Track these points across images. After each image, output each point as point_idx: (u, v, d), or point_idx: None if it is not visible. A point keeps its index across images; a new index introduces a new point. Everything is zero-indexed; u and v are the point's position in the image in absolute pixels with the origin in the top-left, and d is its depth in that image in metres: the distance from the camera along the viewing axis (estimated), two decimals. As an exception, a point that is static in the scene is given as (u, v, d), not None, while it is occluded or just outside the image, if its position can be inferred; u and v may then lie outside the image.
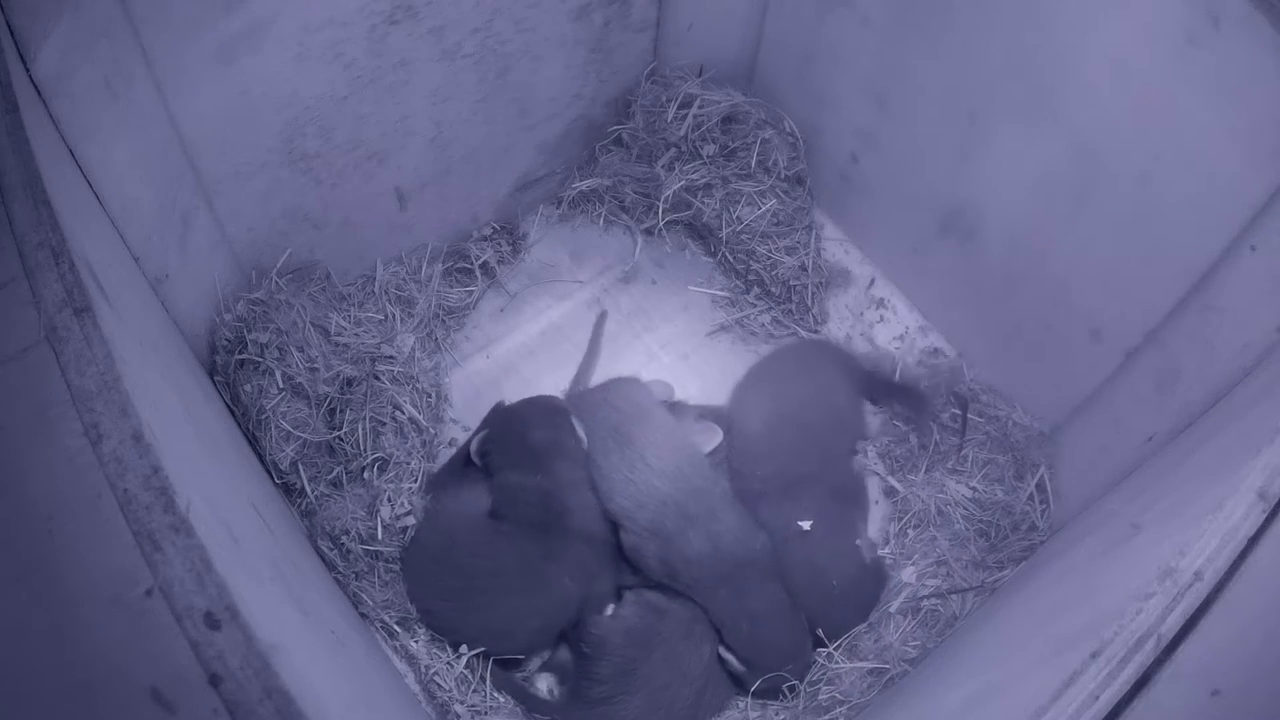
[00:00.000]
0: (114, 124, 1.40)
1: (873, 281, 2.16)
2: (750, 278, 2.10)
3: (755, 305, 2.11)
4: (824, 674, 1.69)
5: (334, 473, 1.74)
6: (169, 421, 1.15)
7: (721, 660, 1.69)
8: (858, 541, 1.79)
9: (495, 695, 1.67)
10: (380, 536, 1.69)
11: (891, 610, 1.75)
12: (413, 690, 1.67)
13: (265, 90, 1.60)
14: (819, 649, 1.71)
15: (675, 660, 1.65)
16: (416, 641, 1.68)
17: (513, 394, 1.99)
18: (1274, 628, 1.04)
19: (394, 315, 1.94)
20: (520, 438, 1.78)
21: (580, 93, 2.06)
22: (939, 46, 1.74)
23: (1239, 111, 1.35)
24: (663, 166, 2.10)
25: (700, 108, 2.05)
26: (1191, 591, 1.04)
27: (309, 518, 1.72)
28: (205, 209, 1.67)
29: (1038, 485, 1.81)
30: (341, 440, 1.74)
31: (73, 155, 1.32)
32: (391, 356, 1.83)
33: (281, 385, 1.73)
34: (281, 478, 1.73)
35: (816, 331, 2.09)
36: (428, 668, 1.66)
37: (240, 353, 1.72)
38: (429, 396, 1.87)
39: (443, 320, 2.05)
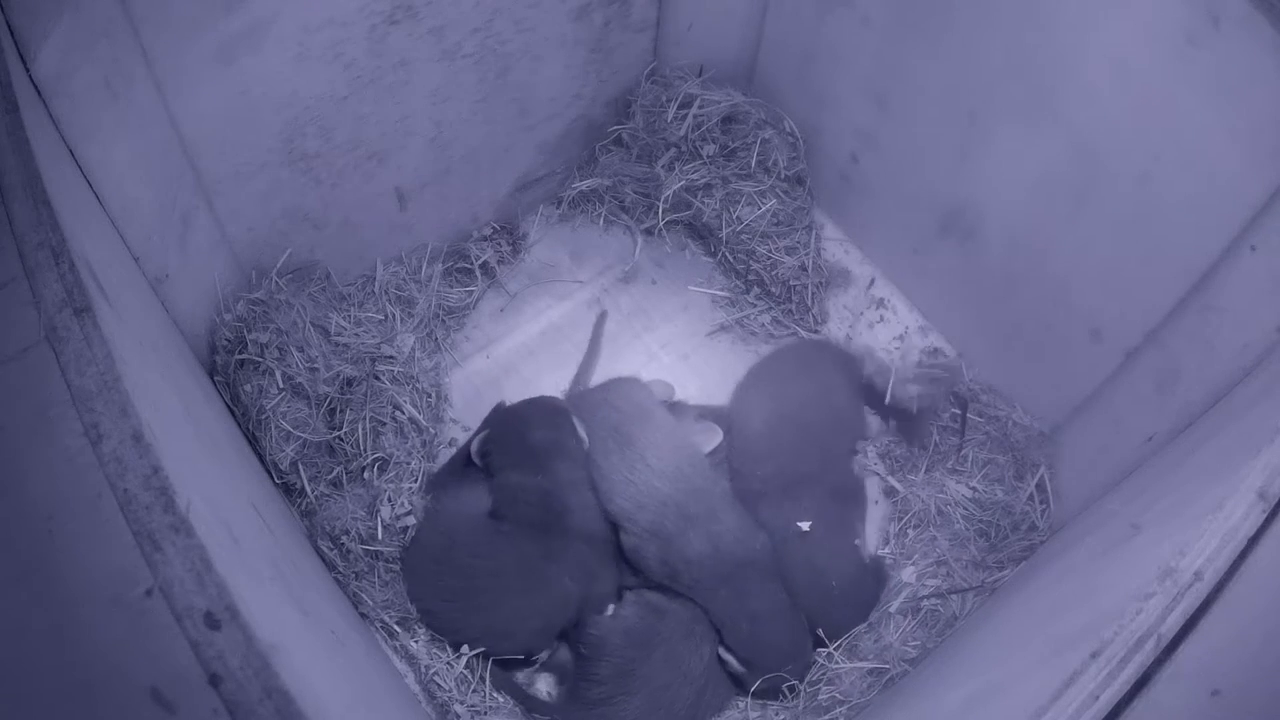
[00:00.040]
0: (114, 124, 1.40)
1: (873, 281, 2.16)
2: (750, 278, 2.10)
3: (755, 305, 2.11)
4: (824, 674, 1.69)
5: (334, 473, 1.74)
6: (169, 421, 1.15)
7: (721, 661, 1.69)
8: (856, 542, 1.79)
9: (495, 695, 1.67)
10: (380, 536, 1.69)
11: (891, 610, 1.75)
12: (413, 690, 1.67)
13: (265, 90, 1.60)
14: (819, 649, 1.71)
15: (675, 660, 1.65)
16: (416, 641, 1.68)
17: (513, 394, 1.99)
18: (1274, 628, 1.04)
19: (394, 315, 1.94)
20: (521, 438, 1.78)
21: (580, 93, 2.06)
22: (939, 46, 1.74)
23: (1239, 111, 1.35)
24: (663, 166, 2.10)
25: (700, 108, 2.05)
26: (1191, 591, 1.04)
27: (309, 518, 1.72)
28: (205, 209, 1.67)
29: (1038, 485, 1.81)
30: (341, 440, 1.74)
31: (73, 155, 1.32)
32: (391, 356, 1.83)
33: (281, 385, 1.73)
34: (281, 478, 1.74)
35: (816, 331, 2.09)
36: (428, 668, 1.66)
37: (240, 353, 1.72)
38: (429, 396, 1.87)
39: (443, 320, 2.05)
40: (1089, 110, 1.55)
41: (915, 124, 1.88)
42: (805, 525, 1.75)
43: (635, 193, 2.17)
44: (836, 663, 1.68)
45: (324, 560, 1.70)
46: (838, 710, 1.65)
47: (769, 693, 1.69)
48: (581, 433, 1.80)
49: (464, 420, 1.98)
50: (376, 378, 1.79)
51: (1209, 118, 1.39)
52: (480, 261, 2.09)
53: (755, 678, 1.67)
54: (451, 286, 2.09)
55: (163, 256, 1.55)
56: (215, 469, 1.33)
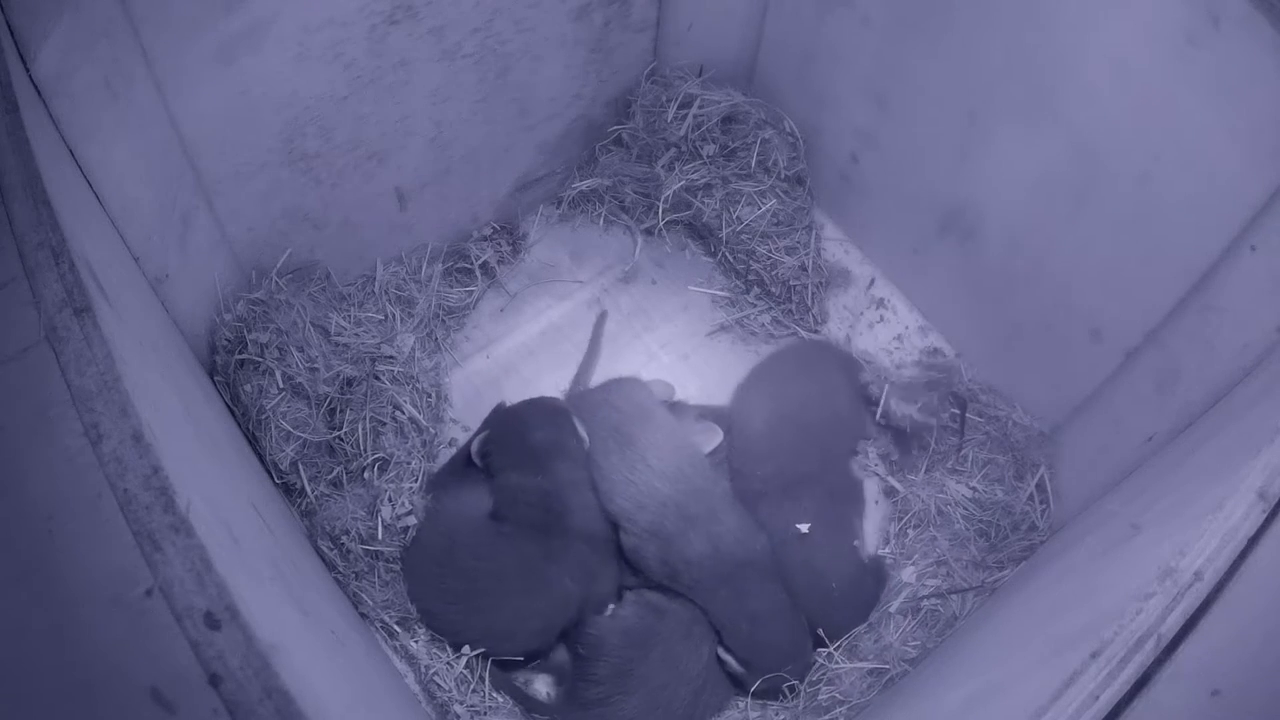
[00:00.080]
0: (114, 124, 1.40)
1: (873, 281, 2.16)
2: (750, 278, 2.10)
3: (755, 305, 2.11)
4: (824, 674, 1.69)
5: (334, 473, 1.74)
6: (169, 421, 1.15)
7: (721, 661, 1.69)
8: (855, 543, 1.79)
9: (494, 695, 1.67)
10: (380, 536, 1.69)
11: (891, 610, 1.75)
12: (413, 690, 1.67)
13: (265, 90, 1.60)
14: (819, 649, 1.71)
15: (673, 660, 1.65)
16: (416, 641, 1.68)
17: (513, 394, 1.99)
18: (1274, 628, 1.04)
19: (394, 315, 1.94)
20: (521, 438, 1.78)
21: (580, 93, 2.06)
22: (939, 46, 1.74)
23: (1239, 111, 1.35)
24: (663, 166, 2.10)
25: (700, 108, 2.05)
26: (1191, 591, 1.04)
27: (309, 518, 1.72)
28: (205, 209, 1.67)
29: (1038, 485, 1.81)
30: (341, 440, 1.74)
31: (73, 155, 1.32)
32: (391, 356, 1.83)
33: (281, 385, 1.73)
34: (281, 478, 1.73)
35: (816, 331, 2.09)
36: (427, 668, 1.66)
37: (240, 353, 1.72)
38: (429, 396, 1.87)
39: (443, 320, 2.05)
40: (1089, 110, 1.55)
41: (915, 124, 1.88)
42: (804, 527, 1.75)
43: (635, 193, 2.17)
44: (836, 663, 1.68)
45: (324, 560, 1.70)
46: (838, 710, 1.65)
47: (769, 693, 1.69)
48: (582, 433, 1.80)
49: (464, 420, 1.98)
50: (376, 378, 1.79)
51: (1209, 118, 1.39)
52: (480, 261, 2.09)
53: (755, 678, 1.67)
54: (451, 286, 2.09)
55: (163, 256, 1.55)
56: (215, 469, 1.33)
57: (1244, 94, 1.34)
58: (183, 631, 0.92)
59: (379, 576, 1.70)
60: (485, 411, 1.92)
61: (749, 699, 1.71)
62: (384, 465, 1.74)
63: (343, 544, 1.69)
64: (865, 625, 1.75)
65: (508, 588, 1.68)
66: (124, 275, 1.37)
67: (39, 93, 1.26)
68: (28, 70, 1.25)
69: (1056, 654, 1.11)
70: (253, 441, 1.73)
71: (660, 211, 2.10)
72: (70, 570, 0.95)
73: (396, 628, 1.68)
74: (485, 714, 1.66)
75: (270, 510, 1.53)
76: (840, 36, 1.91)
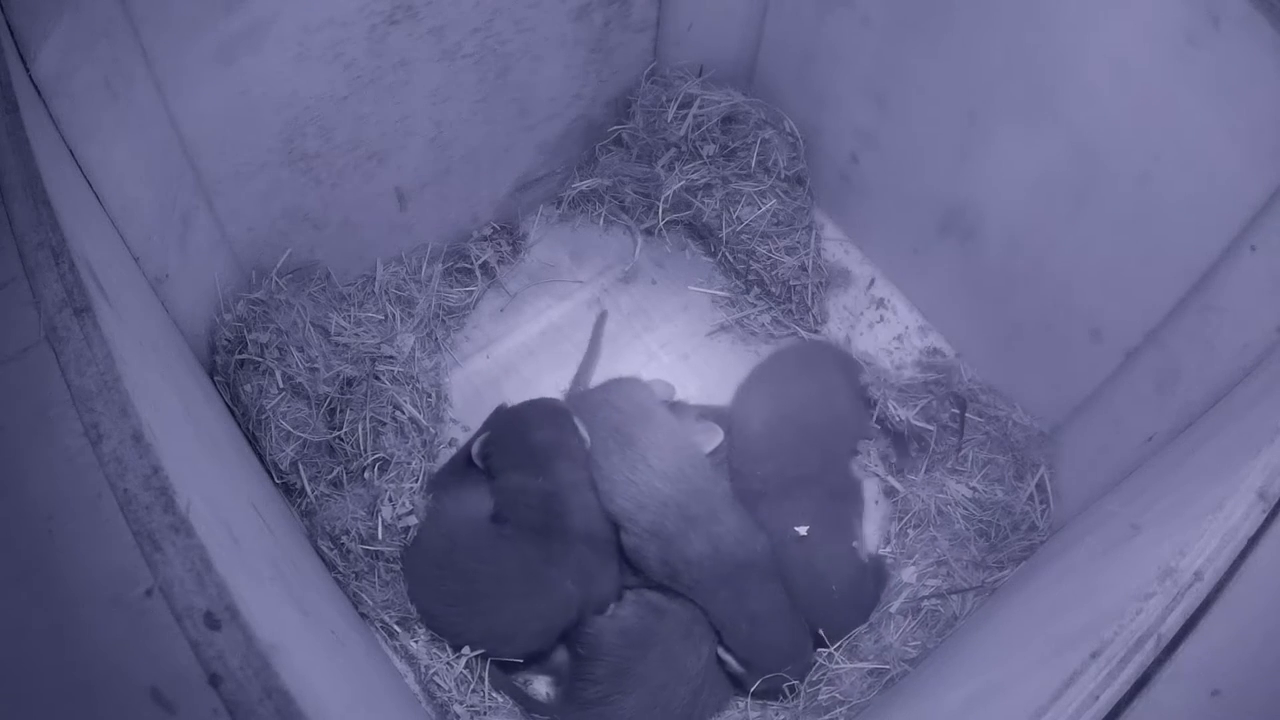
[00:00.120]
0: (114, 124, 1.40)
1: (873, 281, 2.16)
2: (750, 278, 2.10)
3: (755, 305, 2.11)
4: (824, 674, 1.69)
5: (334, 473, 1.74)
6: (169, 421, 1.15)
7: (721, 661, 1.69)
8: (854, 544, 1.79)
9: (494, 695, 1.67)
10: (380, 536, 1.69)
11: (892, 611, 1.75)
12: (413, 690, 1.67)
13: (265, 90, 1.60)
14: (819, 649, 1.71)
15: (672, 660, 1.65)
16: (416, 641, 1.68)
17: (513, 394, 1.99)
18: (1274, 628, 1.04)
19: (394, 315, 1.94)
20: (522, 440, 1.78)
21: (580, 93, 2.06)
22: (939, 46, 1.74)
23: (1239, 111, 1.35)
24: (663, 166, 2.10)
25: (700, 108, 2.05)
26: (1191, 591, 1.04)
27: (309, 518, 1.72)
28: (205, 209, 1.67)
29: (1038, 485, 1.81)
30: (341, 440, 1.74)
31: (73, 155, 1.32)
32: (391, 356, 1.83)
33: (281, 385, 1.73)
34: (281, 478, 1.73)
35: (816, 332, 2.09)
36: (427, 668, 1.66)
37: (240, 353, 1.72)
38: (429, 396, 1.86)
39: (443, 320, 2.05)
40: (1089, 110, 1.55)
41: (915, 124, 1.88)
42: (803, 529, 1.75)
43: (635, 193, 2.17)
44: (837, 663, 1.68)
45: (324, 560, 1.70)
46: (838, 710, 1.65)
47: (769, 693, 1.69)
48: (583, 433, 1.80)
49: (464, 420, 1.98)
50: (376, 378, 1.79)
51: (1209, 118, 1.39)
52: (480, 261, 2.09)
53: (754, 678, 1.67)
54: (451, 286, 2.09)
55: (163, 256, 1.55)
56: (215, 469, 1.33)
57: (1244, 94, 1.34)
58: (183, 631, 0.92)
59: (379, 576, 1.70)
60: (485, 411, 1.92)
61: (749, 699, 1.71)
62: (384, 465, 1.74)
63: (343, 544, 1.69)
64: (866, 625, 1.75)
65: (508, 590, 1.68)
66: (124, 275, 1.37)
67: (39, 93, 1.26)
68: (28, 70, 1.25)
69: (1056, 654, 1.11)
70: (253, 441, 1.73)
71: (660, 211, 2.10)
72: (70, 570, 0.95)
73: (396, 628, 1.68)
74: (485, 714, 1.66)
75: (270, 510, 1.53)
76: (840, 36, 1.91)
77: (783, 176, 2.07)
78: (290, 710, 0.90)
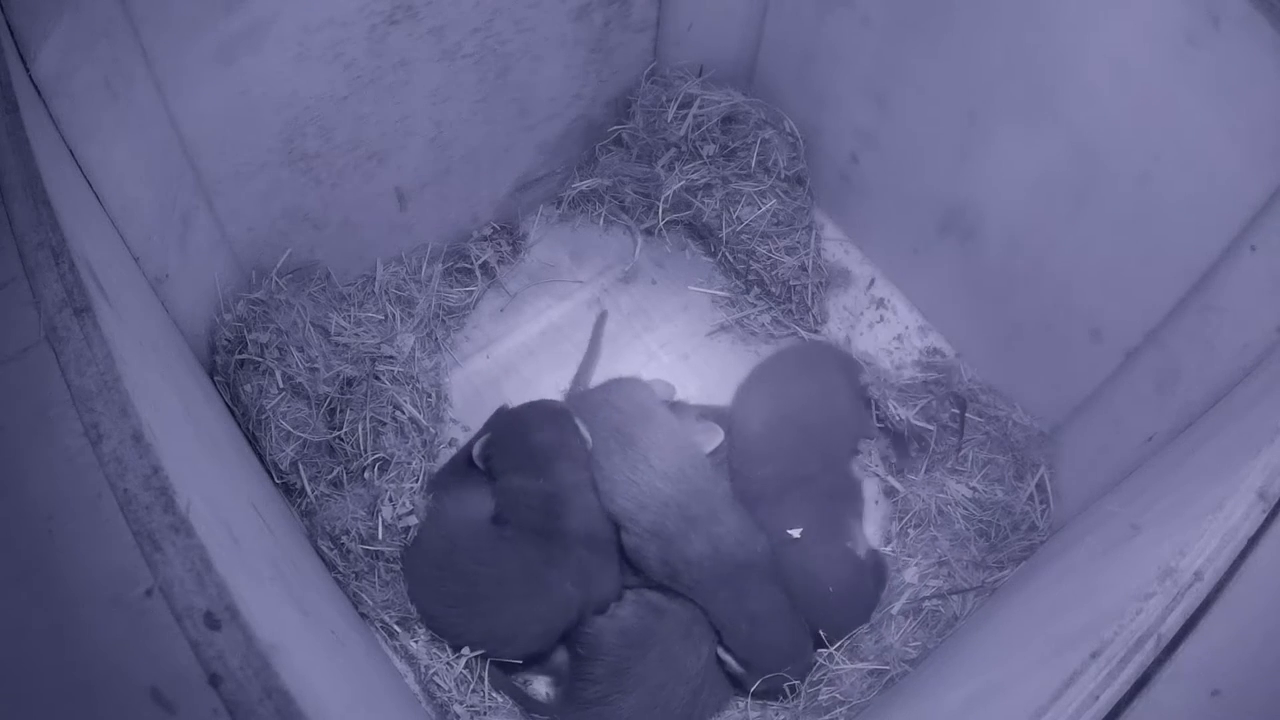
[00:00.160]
0: (114, 124, 1.40)
1: (873, 281, 2.16)
2: (750, 278, 2.10)
3: (755, 305, 2.11)
4: (824, 674, 1.69)
5: (334, 473, 1.74)
6: (169, 421, 1.15)
7: (721, 661, 1.69)
8: (848, 544, 1.79)
9: (494, 695, 1.67)
10: (381, 536, 1.69)
11: (894, 612, 1.75)
12: (412, 690, 1.67)
13: (265, 90, 1.60)
14: (820, 649, 1.71)
15: (671, 660, 1.65)
16: (416, 641, 1.68)
17: (513, 394, 1.99)
18: (1274, 628, 1.04)
19: (394, 315, 1.94)
20: (524, 441, 1.78)
21: (580, 93, 2.06)
22: (939, 46, 1.74)
23: (1239, 111, 1.35)
24: (663, 166, 2.10)
25: (700, 108, 2.05)
26: (1191, 591, 1.04)
27: (309, 518, 1.72)
28: (205, 209, 1.67)
29: (1038, 485, 1.81)
30: (341, 440, 1.74)
31: (73, 155, 1.32)
32: (391, 356, 1.83)
33: (281, 385, 1.73)
34: (281, 478, 1.73)
35: (816, 332, 2.09)
36: (427, 668, 1.66)
37: (240, 353, 1.72)
38: (429, 396, 1.86)
39: (443, 320, 2.05)
40: (1089, 110, 1.55)
41: (915, 124, 1.88)
42: (795, 532, 1.75)
43: (635, 193, 2.17)
44: (837, 663, 1.68)
45: (324, 560, 1.70)
46: (838, 710, 1.65)
47: (769, 693, 1.69)
48: (585, 433, 1.80)
49: (464, 420, 1.98)
50: (376, 378, 1.79)
51: (1209, 118, 1.39)
52: (480, 261, 2.09)
53: (754, 679, 1.67)
54: (451, 286, 2.09)
55: (163, 256, 1.55)
56: (215, 469, 1.33)
57: (1244, 94, 1.34)
58: (183, 631, 0.92)
59: (379, 576, 1.70)
60: (485, 411, 1.92)
61: (749, 699, 1.71)
62: (384, 465, 1.74)
63: (343, 544, 1.69)
64: (867, 626, 1.75)
65: (509, 592, 1.68)
66: (124, 275, 1.37)
67: (39, 93, 1.26)
68: (28, 70, 1.25)
69: (1056, 654, 1.11)
70: (253, 441, 1.73)
71: (660, 211, 2.10)
72: (70, 570, 0.95)
73: (396, 628, 1.68)
74: (485, 714, 1.66)
75: (270, 510, 1.53)
76: (840, 36, 1.91)
77: (783, 176, 2.07)
78: (290, 710, 0.90)
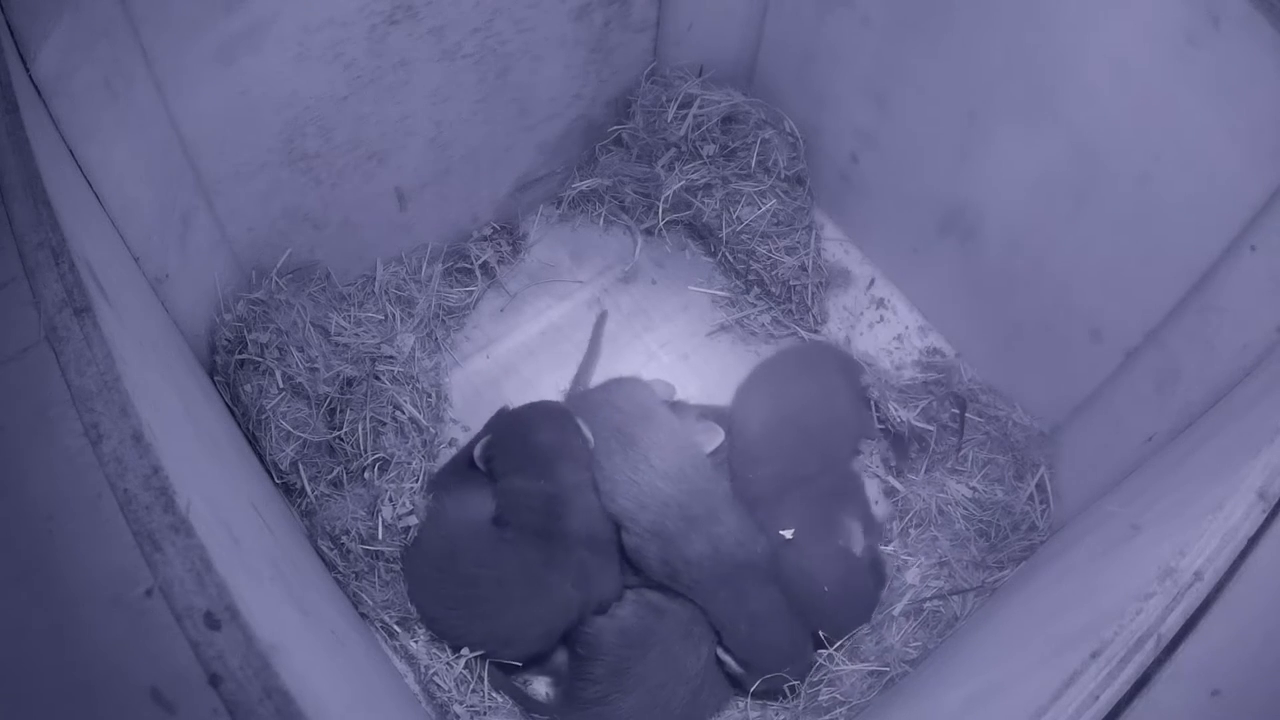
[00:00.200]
0: (114, 124, 1.40)
1: (873, 281, 2.16)
2: (750, 278, 2.10)
3: (755, 305, 2.11)
4: (824, 675, 1.69)
5: (334, 473, 1.74)
6: (169, 421, 1.15)
7: (720, 661, 1.69)
8: (841, 543, 1.78)
9: (494, 695, 1.67)
10: (381, 536, 1.69)
11: (895, 613, 1.75)
12: (412, 690, 1.68)
13: (265, 90, 1.60)
14: (820, 650, 1.71)
15: (671, 660, 1.65)
16: (416, 641, 1.68)
17: (513, 394, 1.99)
18: (1274, 628, 1.04)
19: (394, 315, 1.94)
20: (525, 442, 1.78)
21: (580, 93, 2.06)
22: (939, 46, 1.74)
23: (1239, 111, 1.35)
24: (663, 166, 2.10)
25: (700, 108, 2.05)
26: (1191, 591, 1.04)
27: (309, 518, 1.72)
28: (205, 209, 1.67)
29: (1038, 485, 1.81)
30: (341, 440, 1.74)
31: (73, 155, 1.32)
32: (391, 356, 1.83)
33: (281, 385, 1.73)
34: (281, 478, 1.73)
35: (816, 332, 2.09)
36: (427, 668, 1.66)
37: (240, 353, 1.72)
38: (429, 396, 1.86)
39: (443, 320, 2.05)
40: (1089, 110, 1.55)
41: (915, 124, 1.88)
42: (789, 533, 1.75)
43: (635, 193, 2.17)
44: (837, 664, 1.68)
45: (324, 560, 1.70)
46: (838, 711, 1.65)
47: (769, 693, 1.69)
48: (587, 433, 1.80)
49: (464, 420, 1.97)
50: (376, 378, 1.79)
51: (1209, 118, 1.39)
52: (480, 261, 2.09)
53: (754, 679, 1.67)
54: (451, 286, 2.09)
55: (163, 256, 1.55)
56: (215, 469, 1.33)
57: (1244, 94, 1.34)
58: (183, 631, 0.92)
59: (379, 576, 1.70)
60: (485, 411, 1.92)
61: (749, 699, 1.71)
62: (384, 465, 1.74)
63: (343, 544, 1.69)
64: (867, 627, 1.75)
65: (509, 594, 1.68)
66: (124, 275, 1.37)
67: (39, 93, 1.26)
68: (28, 70, 1.25)
69: (1056, 654, 1.11)
70: (253, 441, 1.73)
71: (660, 211, 2.10)
72: (70, 570, 0.95)
73: (396, 628, 1.68)
74: (485, 714, 1.66)
75: (270, 510, 1.53)
76: (840, 36, 1.91)
77: (783, 176, 2.07)
78: (290, 710, 0.90)
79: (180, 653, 0.91)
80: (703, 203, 2.08)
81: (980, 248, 1.88)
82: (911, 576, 1.80)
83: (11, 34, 1.23)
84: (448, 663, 1.67)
